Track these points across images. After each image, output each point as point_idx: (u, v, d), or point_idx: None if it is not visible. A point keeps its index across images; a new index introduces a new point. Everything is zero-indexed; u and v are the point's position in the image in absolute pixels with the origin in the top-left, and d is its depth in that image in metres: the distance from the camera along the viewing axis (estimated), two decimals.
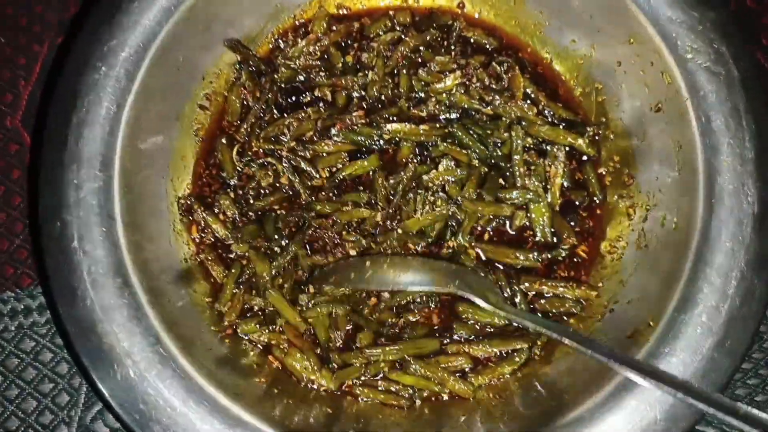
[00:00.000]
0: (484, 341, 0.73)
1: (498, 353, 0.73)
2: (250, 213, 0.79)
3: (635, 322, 0.69)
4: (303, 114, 0.81)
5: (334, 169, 0.81)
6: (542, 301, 0.75)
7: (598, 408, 0.62)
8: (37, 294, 0.82)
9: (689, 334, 0.63)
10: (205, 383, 0.64)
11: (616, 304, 0.73)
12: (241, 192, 0.80)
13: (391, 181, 0.79)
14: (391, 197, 0.79)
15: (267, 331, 0.73)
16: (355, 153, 0.81)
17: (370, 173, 0.80)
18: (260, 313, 0.74)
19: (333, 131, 0.80)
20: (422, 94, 0.83)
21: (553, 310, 0.75)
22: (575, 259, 0.77)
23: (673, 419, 0.61)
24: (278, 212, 0.79)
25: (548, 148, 0.79)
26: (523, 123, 0.79)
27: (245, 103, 0.84)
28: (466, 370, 0.72)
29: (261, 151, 0.81)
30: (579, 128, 0.80)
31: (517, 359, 0.72)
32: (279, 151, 0.81)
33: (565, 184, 0.79)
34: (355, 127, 0.81)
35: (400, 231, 0.77)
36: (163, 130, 0.77)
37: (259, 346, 0.73)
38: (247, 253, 0.76)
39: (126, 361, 0.63)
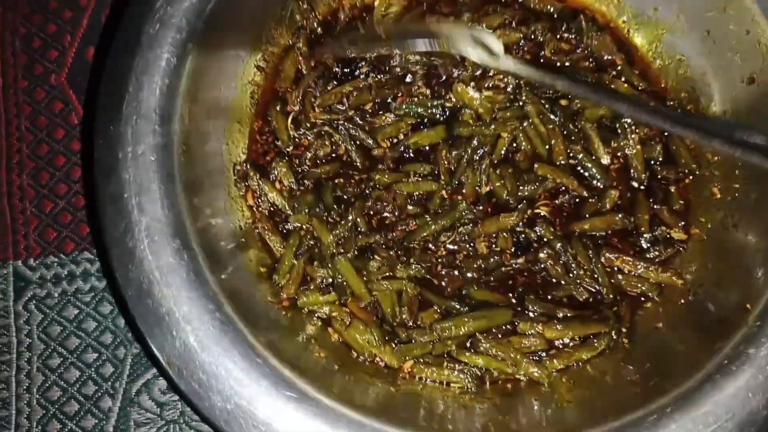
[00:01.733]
0: (561, 324, 0.68)
1: (576, 339, 0.68)
2: (307, 182, 0.75)
3: (724, 306, 0.64)
4: (363, 83, 0.77)
5: (395, 141, 0.76)
6: (619, 277, 0.70)
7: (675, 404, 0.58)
8: (81, 260, 0.78)
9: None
10: (268, 354, 0.60)
11: (701, 288, 0.68)
12: (297, 161, 0.75)
13: (455, 153, 0.74)
14: (453, 169, 0.74)
15: (329, 303, 0.68)
16: (417, 125, 0.76)
17: (434, 145, 0.76)
18: (322, 284, 0.70)
19: (394, 104, 0.76)
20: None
21: (629, 289, 0.70)
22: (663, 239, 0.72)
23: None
24: (337, 182, 0.75)
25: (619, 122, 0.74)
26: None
27: (300, 68, 0.79)
28: (540, 352, 0.68)
29: (317, 121, 0.76)
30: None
31: (597, 345, 0.67)
32: (336, 121, 0.76)
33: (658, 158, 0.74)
34: (417, 99, 0.76)
35: (464, 205, 0.72)
36: (221, 87, 0.72)
37: (319, 318, 0.69)
38: (304, 225, 0.72)
39: (185, 327, 0.59)
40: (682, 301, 0.69)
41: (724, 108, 0.73)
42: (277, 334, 0.64)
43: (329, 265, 0.69)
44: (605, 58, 0.77)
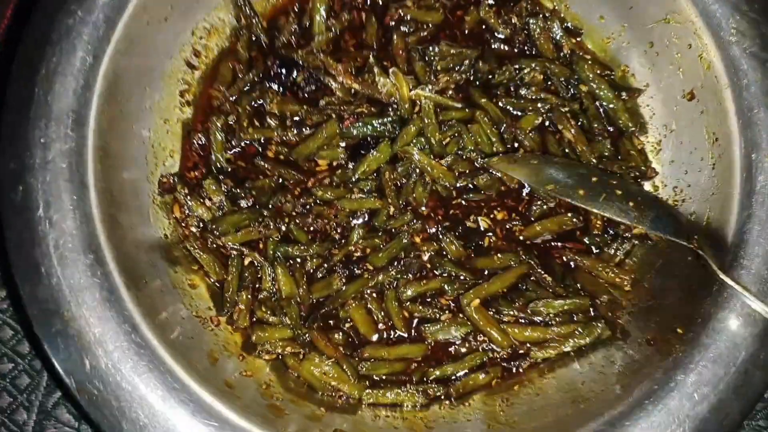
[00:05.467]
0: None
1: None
2: (240, 201, 0.71)
3: (658, 327, 0.64)
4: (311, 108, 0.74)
5: (335, 163, 0.73)
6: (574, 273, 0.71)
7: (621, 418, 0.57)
8: None
9: (721, 343, 0.58)
10: (188, 378, 0.57)
11: (635, 307, 0.68)
12: (230, 181, 0.71)
13: (400, 170, 0.72)
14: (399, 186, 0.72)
15: (285, 339, 0.67)
16: (357, 146, 0.73)
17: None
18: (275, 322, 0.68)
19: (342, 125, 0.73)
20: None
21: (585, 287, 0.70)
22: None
23: None
24: (276, 197, 0.71)
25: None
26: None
27: (236, 72, 0.75)
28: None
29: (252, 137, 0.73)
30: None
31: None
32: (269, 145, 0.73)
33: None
34: (364, 119, 0.73)
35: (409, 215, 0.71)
36: (146, 87, 0.68)
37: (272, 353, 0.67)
38: (238, 246, 0.69)
39: (97, 350, 0.55)
40: (624, 314, 0.68)
41: (664, 122, 0.73)
42: (202, 356, 0.62)
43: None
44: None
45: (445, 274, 0.70)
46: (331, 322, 0.69)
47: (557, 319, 0.68)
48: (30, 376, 0.71)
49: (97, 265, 0.58)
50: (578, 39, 0.77)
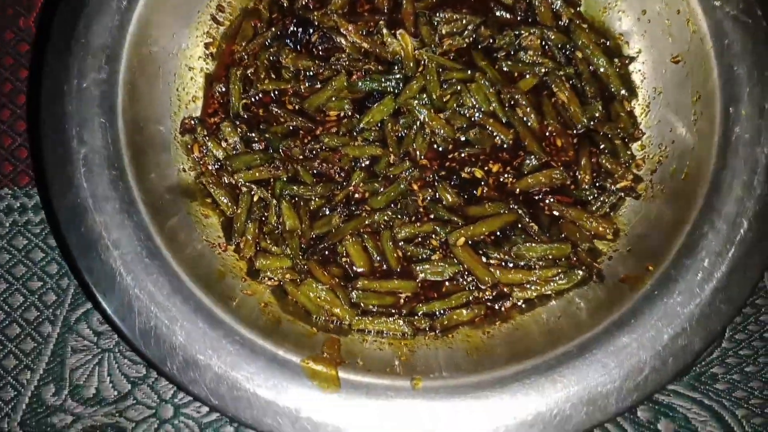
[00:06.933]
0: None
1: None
2: (253, 144, 0.77)
3: (633, 269, 0.67)
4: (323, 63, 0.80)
5: (342, 114, 0.79)
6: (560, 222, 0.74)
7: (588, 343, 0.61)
8: (34, 193, 0.81)
9: (689, 279, 0.61)
10: (192, 285, 0.63)
11: (615, 253, 0.71)
12: (245, 126, 0.78)
13: (402, 122, 0.78)
14: (400, 137, 0.78)
15: (286, 268, 0.72)
16: (363, 99, 0.79)
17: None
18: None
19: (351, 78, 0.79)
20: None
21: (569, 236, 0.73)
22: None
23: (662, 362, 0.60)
24: (284, 143, 0.77)
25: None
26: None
27: (257, 30, 0.82)
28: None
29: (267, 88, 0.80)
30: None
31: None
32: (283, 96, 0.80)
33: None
34: (371, 75, 0.79)
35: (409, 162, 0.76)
36: (174, 34, 0.75)
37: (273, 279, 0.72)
38: (250, 184, 0.75)
39: (113, 251, 0.62)
40: (599, 262, 0.72)
41: (653, 86, 0.76)
42: (210, 273, 0.68)
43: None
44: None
45: (439, 219, 0.75)
46: (330, 258, 0.74)
47: (540, 263, 0.72)
48: (56, 294, 0.78)
49: (119, 180, 0.65)
50: (577, 9, 0.82)
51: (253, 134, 0.77)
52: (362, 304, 0.72)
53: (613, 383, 0.59)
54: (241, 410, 0.59)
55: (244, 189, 0.76)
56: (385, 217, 0.74)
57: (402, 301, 0.73)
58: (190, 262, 0.66)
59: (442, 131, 0.77)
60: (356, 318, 0.70)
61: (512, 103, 0.79)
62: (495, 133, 0.77)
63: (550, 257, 0.72)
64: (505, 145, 0.78)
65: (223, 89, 0.80)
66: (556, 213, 0.75)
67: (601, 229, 0.72)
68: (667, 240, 0.65)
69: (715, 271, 0.61)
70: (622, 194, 0.74)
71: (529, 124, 0.78)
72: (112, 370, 0.76)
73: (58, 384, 0.76)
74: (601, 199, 0.74)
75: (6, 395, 0.76)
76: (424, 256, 0.74)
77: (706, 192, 0.65)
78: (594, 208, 0.74)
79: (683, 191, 0.68)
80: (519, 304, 0.72)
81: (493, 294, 0.72)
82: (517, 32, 0.80)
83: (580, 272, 0.70)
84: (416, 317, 0.71)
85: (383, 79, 0.79)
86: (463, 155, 0.77)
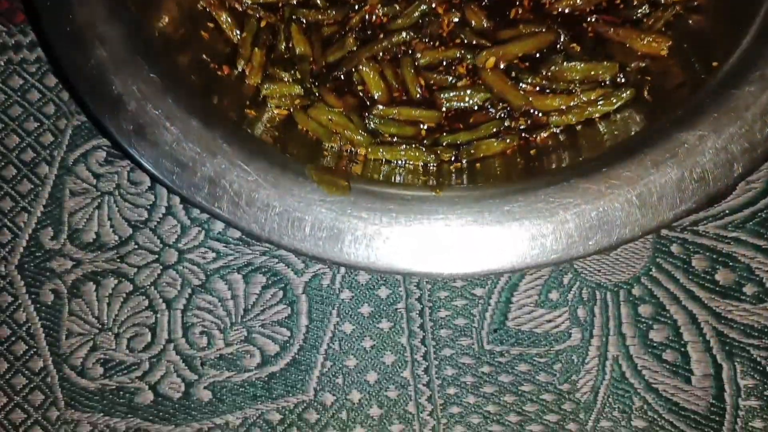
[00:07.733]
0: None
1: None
2: None
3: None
4: None
5: None
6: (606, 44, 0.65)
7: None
8: (30, 31, 0.76)
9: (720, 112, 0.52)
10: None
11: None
12: None
13: None
14: None
15: (295, 94, 0.65)
16: None
17: None
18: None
19: None
20: None
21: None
22: None
23: None
24: None
25: None
26: None
27: None
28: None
29: None
30: None
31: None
32: None
33: None
34: None
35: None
36: None
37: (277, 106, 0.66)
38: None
39: (103, 47, 0.56)
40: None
41: None
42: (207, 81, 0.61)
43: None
44: None
45: (466, 44, 0.67)
46: (344, 87, 0.67)
47: (582, 86, 0.63)
48: (54, 134, 0.73)
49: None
50: None
51: None
52: (380, 132, 0.64)
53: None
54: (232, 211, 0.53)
55: (250, 12, 0.68)
56: (406, 38, 0.66)
57: (423, 132, 0.65)
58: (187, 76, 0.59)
59: None
60: (373, 146, 0.63)
61: None
62: None
63: (596, 79, 0.63)
64: None
65: None
66: (601, 34, 0.66)
67: (654, 44, 0.63)
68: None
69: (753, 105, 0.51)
70: (678, 8, 0.64)
71: None
72: (113, 214, 0.71)
73: (57, 228, 0.71)
74: (655, 14, 0.65)
75: (3, 237, 0.71)
76: (450, 84, 0.66)
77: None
78: (646, 26, 0.65)
79: None
80: (557, 132, 0.63)
81: (528, 123, 0.64)
82: None
83: (627, 91, 0.61)
84: (440, 147, 0.64)
85: None
86: None
